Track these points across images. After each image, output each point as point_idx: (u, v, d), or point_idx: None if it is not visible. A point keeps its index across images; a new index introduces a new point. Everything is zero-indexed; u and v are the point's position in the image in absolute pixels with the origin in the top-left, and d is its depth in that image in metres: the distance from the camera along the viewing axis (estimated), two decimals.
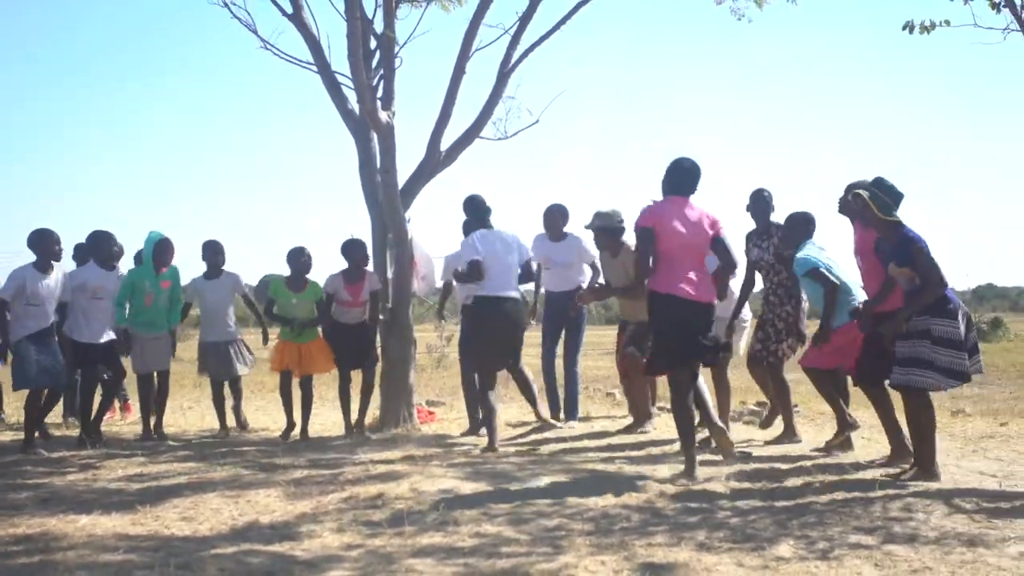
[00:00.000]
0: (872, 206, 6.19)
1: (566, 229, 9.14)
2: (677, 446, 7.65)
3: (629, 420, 8.98)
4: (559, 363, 9.28)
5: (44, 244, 8.17)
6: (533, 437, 8.55)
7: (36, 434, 8.39)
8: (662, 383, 9.01)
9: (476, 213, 8.36)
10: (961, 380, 6.08)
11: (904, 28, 7.66)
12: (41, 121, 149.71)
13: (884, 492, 5.80)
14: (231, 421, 9.45)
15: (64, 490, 6.33)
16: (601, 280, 8.91)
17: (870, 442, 7.62)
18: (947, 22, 7.55)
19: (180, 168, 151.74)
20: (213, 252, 9.26)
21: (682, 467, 6.49)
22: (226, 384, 9.35)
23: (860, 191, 6.31)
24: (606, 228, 8.30)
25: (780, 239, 7.67)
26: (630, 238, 8.49)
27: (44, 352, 8.06)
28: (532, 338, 8.82)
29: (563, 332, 9.22)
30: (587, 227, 8.42)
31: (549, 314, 9.30)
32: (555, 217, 9.10)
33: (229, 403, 9.47)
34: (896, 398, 6.48)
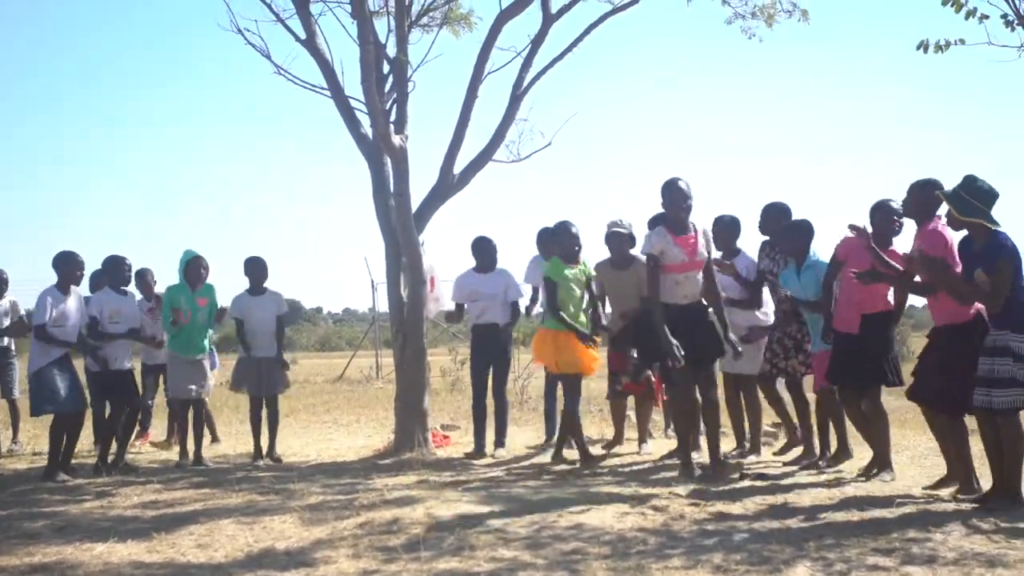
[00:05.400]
0: (951, 207, 5.88)
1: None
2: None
3: (651, 444, 8.96)
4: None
5: (67, 267, 8.16)
6: (544, 460, 8.55)
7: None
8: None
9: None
10: None
11: (918, 47, 7.54)
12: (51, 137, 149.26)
13: (902, 512, 5.78)
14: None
15: (80, 518, 6.34)
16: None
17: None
18: (961, 40, 7.46)
19: (193, 189, 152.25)
20: (257, 269, 9.26)
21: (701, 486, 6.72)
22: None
23: (939, 191, 6.05)
24: (628, 235, 8.15)
25: (781, 248, 7.67)
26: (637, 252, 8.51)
27: (66, 376, 8.06)
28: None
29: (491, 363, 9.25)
30: (608, 233, 8.16)
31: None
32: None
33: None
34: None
